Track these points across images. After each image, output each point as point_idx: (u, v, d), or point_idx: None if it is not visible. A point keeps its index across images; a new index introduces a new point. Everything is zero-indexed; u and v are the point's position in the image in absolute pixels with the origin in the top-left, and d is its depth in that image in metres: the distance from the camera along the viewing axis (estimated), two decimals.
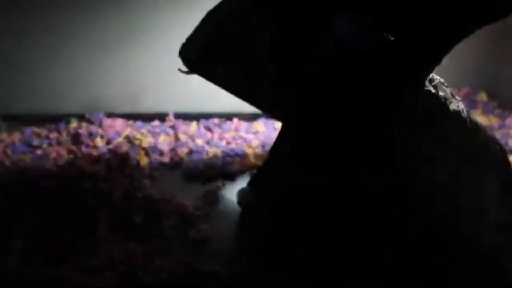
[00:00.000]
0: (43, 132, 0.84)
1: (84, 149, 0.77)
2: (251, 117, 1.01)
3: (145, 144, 0.82)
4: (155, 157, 0.81)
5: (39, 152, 0.77)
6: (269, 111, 0.72)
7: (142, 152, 0.80)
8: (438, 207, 0.51)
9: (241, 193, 0.73)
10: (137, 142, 0.80)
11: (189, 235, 0.65)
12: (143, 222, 0.65)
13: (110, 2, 0.85)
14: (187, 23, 0.95)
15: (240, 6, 0.53)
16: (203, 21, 0.57)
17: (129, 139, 0.82)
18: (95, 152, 0.76)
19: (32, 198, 0.65)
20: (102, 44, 0.87)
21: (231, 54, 0.55)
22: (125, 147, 0.78)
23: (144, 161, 0.78)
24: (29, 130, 0.84)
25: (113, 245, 0.58)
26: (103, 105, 0.91)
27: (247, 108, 0.99)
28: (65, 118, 0.88)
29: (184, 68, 0.59)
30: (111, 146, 0.79)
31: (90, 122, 0.85)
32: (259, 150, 0.90)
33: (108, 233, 0.60)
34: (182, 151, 0.84)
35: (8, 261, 0.54)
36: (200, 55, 0.58)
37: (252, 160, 0.86)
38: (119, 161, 0.74)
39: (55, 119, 0.88)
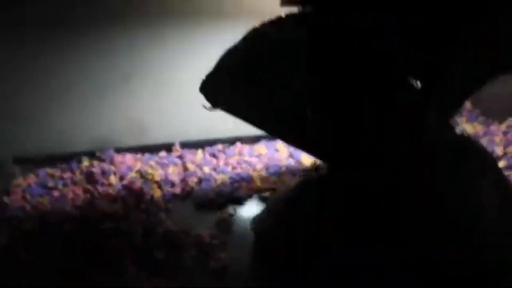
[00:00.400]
0: (57, 172, 0.87)
1: (99, 188, 0.81)
2: (253, 140, 1.06)
3: (156, 177, 0.86)
4: (167, 189, 0.85)
5: (55, 193, 0.81)
6: (291, 142, 0.75)
7: (155, 186, 0.84)
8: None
9: (255, 220, 0.78)
10: (149, 176, 0.85)
11: (209, 265, 0.70)
12: (165, 257, 0.69)
13: (114, 43, 0.89)
14: (187, 58, 1.01)
15: (269, 50, 0.57)
16: (224, 59, 0.60)
17: (141, 174, 0.86)
18: (110, 190, 0.80)
19: (56, 243, 0.68)
20: (107, 82, 0.91)
21: (258, 91, 0.59)
22: (138, 183, 0.82)
23: (157, 194, 0.83)
24: (42, 172, 0.87)
25: (141, 283, 0.62)
26: (111, 140, 0.95)
27: (248, 131, 1.05)
28: (75, 156, 0.92)
29: (207, 104, 0.62)
30: (124, 182, 0.83)
31: (101, 159, 0.89)
32: (263, 173, 0.95)
33: (135, 272, 0.64)
34: (192, 181, 0.88)
35: None
36: (223, 92, 0.61)
37: (258, 183, 0.91)
38: (135, 198, 0.78)
39: (66, 158, 0.92)
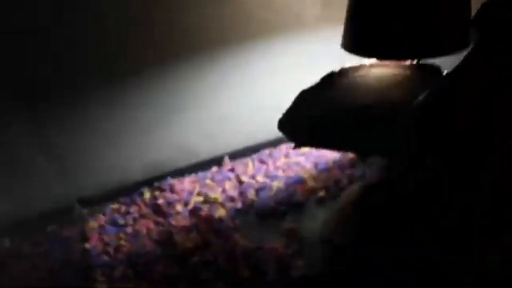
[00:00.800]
0: (122, 207, 0.92)
1: (170, 219, 0.85)
2: None
3: (218, 196, 0.90)
4: (229, 206, 0.90)
5: (129, 230, 0.86)
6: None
7: (219, 206, 0.88)
8: None
9: (324, 227, 0.83)
10: (211, 199, 0.89)
11: (290, 275, 0.75)
12: (251, 276, 0.74)
13: (157, 81, 0.90)
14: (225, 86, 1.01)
15: None
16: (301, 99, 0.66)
17: (202, 196, 0.90)
18: (180, 219, 0.84)
19: (155, 285, 0.74)
20: (157, 112, 0.94)
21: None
22: (204, 207, 0.87)
23: (223, 213, 0.87)
24: (108, 209, 0.92)
25: None
26: (162, 164, 0.99)
27: None
28: (133, 188, 0.96)
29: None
30: (190, 207, 0.88)
31: (161, 189, 0.93)
32: (314, 172, 0.98)
33: None
34: (250, 193, 0.92)
35: None
36: (306, 132, 0.65)
37: (311, 183, 0.95)
38: (206, 223, 0.82)
39: (125, 191, 0.96)
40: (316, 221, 0.88)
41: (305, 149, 1.03)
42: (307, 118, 0.66)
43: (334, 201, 0.87)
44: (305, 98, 0.67)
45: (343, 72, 0.66)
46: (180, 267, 0.75)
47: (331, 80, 0.63)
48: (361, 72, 0.66)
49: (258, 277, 0.77)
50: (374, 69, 0.67)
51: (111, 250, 0.82)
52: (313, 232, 0.86)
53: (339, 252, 0.76)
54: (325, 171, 0.98)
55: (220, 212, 0.87)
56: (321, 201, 0.92)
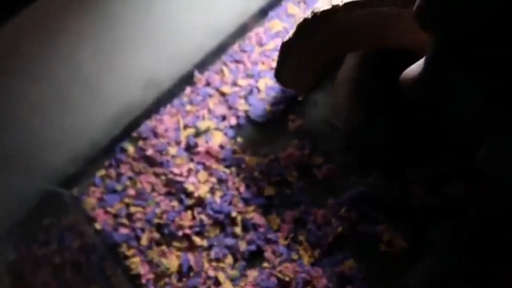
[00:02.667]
0: (111, 172, 0.82)
1: (170, 168, 0.78)
2: (259, 17, 0.93)
3: (206, 121, 0.81)
4: (223, 126, 0.82)
5: (131, 192, 0.79)
6: None
7: (213, 132, 0.80)
8: None
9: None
10: (202, 128, 0.80)
11: (316, 174, 0.74)
12: (277, 193, 0.72)
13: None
14: None
15: None
16: None
17: (191, 128, 0.81)
18: (182, 164, 0.78)
19: (188, 239, 0.71)
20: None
21: None
22: (201, 141, 0.79)
23: (221, 139, 0.80)
24: (97, 179, 0.83)
25: None
26: (131, 109, 0.87)
27: (249, 9, 0.92)
28: (110, 147, 0.86)
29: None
30: (182, 146, 0.80)
31: (142, 138, 0.83)
32: None
33: None
34: (239, 103, 0.83)
35: None
36: None
37: None
38: (210, 158, 0.76)
39: (104, 154, 0.86)
40: (320, 108, 0.83)
41: (278, 27, 0.90)
42: None
43: (333, 80, 0.79)
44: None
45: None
46: (203, 214, 0.72)
47: None
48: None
49: (284, 190, 0.75)
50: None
51: (124, 220, 0.77)
52: (320, 120, 0.81)
53: (353, 139, 0.73)
54: None
55: (218, 139, 0.80)
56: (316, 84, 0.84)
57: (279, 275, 0.68)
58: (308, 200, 0.74)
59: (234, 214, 0.72)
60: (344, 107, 0.74)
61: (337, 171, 0.76)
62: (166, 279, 0.72)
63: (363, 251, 0.70)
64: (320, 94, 0.83)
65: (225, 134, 0.82)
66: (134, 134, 0.84)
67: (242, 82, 0.85)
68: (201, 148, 0.78)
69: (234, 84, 0.86)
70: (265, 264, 0.70)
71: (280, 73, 0.71)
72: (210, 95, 0.85)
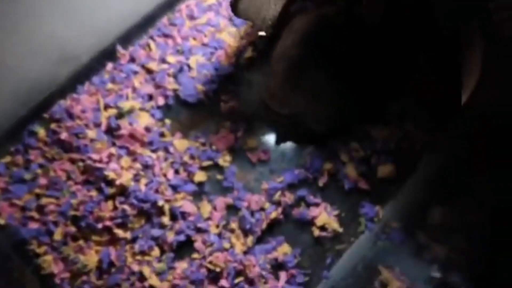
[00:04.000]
0: (18, 158, 0.73)
1: (88, 153, 0.71)
2: None
3: (130, 102, 0.75)
4: (150, 107, 0.76)
5: (43, 181, 0.71)
6: None
7: (138, 112, 0.74)
8: None
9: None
10: (125, 108, 0.73)
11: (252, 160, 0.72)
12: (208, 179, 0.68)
13: None
14: None
15: None
16: None
17: (113, 108, 0.74)
18: (102, 148, 0.71)
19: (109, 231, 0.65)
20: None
21: None
22: (124, 122, 0.72)
23: (147, 120, 0.74)
24: (1, 167, 0.73)
25: None
26: (41, 86, 0.77)
27: None
28: (16, 128, 0.76)
29: None
30: (103, 127, 0.73)
31: (55, 119, 0.74)
32: (232, 29, 0.83)
33: None
34: (168, 81, 0.77)
35: None
36: None
37: (233, 44, 0.81)
38: (135, 141, 0.70)
39: (10, 137, 0.76)
40: (255, 88, 0.80)
41: (211, 0, 0.85)
42: None
43: (267, 59, 0.76)
44: None
45: None
46: (125, 204, 0.67)
47: None
48: None
49: (215, 176, 0.72)
50: None
51: (33, 213, 0.69)
52: (255, 101, 0.78)
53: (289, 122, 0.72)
54: (244, 24, 0.83)
55: (144, 120, 0.74)
56: (251, 61, 0.81)
57: (210, 266, 0.65)
58: (241, 185, 0.72)
59: (161, 202, 0.68)
60: (279, 87, 0.72)
61: (272, 155, 0.75)
62: (84, 277, 0.66)
63: (297, 236, 0.70)
64: (255, 73, 0.80)
65: (152, 115, 0.76)
66: (45, 115, 0.75)
67: (171, 58, 0.80)
68: (124, 131, 0.72)
69: (162, 60, 0.80)
70: (195, 255, 0.67)
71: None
72: (135, 72, 0.79)
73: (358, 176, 0.71)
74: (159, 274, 0.66)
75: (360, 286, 0.66)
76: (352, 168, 0.72)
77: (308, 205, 0.70)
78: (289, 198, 0.70)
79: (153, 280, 0.65)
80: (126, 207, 0.67)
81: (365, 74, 0.71)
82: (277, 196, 0.70)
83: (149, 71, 0.79)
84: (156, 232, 0.68)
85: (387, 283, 0.66)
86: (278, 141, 0.75)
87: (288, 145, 0.75)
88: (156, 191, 0.69)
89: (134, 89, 0.77)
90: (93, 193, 0.69)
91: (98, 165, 0.70)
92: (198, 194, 0.72)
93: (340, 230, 0.69)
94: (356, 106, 0.74)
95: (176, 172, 0.71)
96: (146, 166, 0.70)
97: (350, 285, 0.67)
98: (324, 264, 0.68)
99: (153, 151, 0.72)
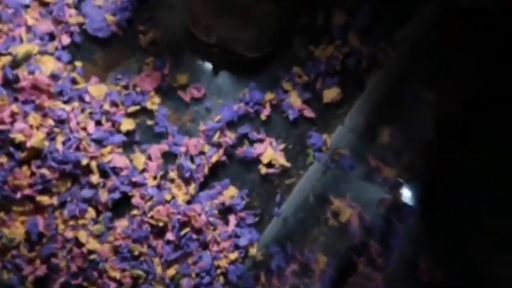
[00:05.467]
0: None
1: None
2: None
3: (25, 46, 0.64)
4: (53, 49, 0.66)
5: None
6: None
7: (40, 57, 0.64)
8: None
9: None
10: (22, 53, 0.62)
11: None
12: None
13: None
14: None
15: None
16: None
17: (4, 56, 0.63)
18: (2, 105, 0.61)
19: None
20: None
21: None
22: (22, 70, 0.62)
23: (52, 65, 0.64)
24: None
25: None
26: None
27: None
28: None
29: None
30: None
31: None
32: None
33: None
34: (69, 14, 0.66)
35: None
36: None
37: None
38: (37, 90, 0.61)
39: None
40: (178, 13, 0.71)
41: None
42: None
43: None
44: None
45: None
46: (43, 168, 0.61)
47: None
48: None
49: (145, 122, 0.66)
50: None
51: None
52: (179, 28, 0.70)
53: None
54: None
55: (48, 66, 0.64)
56: None
57: (152, 221, 0.63)
58: (176, 129, 0.67)
59: (85, 160, 0.62)
60: (202, 11, 0.64)
61: (207, 90, 0.69)
62: (14, 252, 0.62)
63: (243, 177, 0.68)
64: None
65: (58, 58, 0.66)
66: None
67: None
68: (24, 82, 0.62)
69: None
70: (134, 211, 0.64)
71: None
72: (26, 6, 0.66)
73: (303, 104, 0.68)
74: (98, 236, 0.63)
75: (312, 219, 0.68)
76: (296, 96, 0.68)
77: (252, 142, 0.68)
78: (230, 137, 0.66)
79: (92, 244, 0.63)
80: (44, 171, 0.61)
81: None
82: (216, 136, 0.66)
83: (43, 3, 0.66)
84: (86, 193, 0.63)
85: (339, 212, 0.67)
86: (212, 74, 0.69)
87: (223, 77, 0.69)
88: (77, 148, 0.63)
89: (29, 28, 0.66)
90: (3, 159, 0.62)
91: (1, 127, 0.62)
92: (128, 144, 0.66)
93: (288, 164, 0.68)
94: (290, 21, 0.68)
95: (98, 123, 0.65)
96: (60, 121, 0.63)
97: (302, 219, 0.68)
98: (274, 201, 0.68)
99: (66, 102, 0.64)
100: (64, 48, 0.67)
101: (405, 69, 0.72)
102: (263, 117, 0.68)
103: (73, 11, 0.67)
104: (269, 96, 0.68)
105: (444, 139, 0.70)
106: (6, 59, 0.63)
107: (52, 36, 0.67)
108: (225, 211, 0.66)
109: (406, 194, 0.68)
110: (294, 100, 0.68)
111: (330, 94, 0.68)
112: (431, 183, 0.68)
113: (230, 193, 0.66)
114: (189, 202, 0.65)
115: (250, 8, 0.64)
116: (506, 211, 0.55)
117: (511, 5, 0.57)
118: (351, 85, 0.70)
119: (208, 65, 0.69)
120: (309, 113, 0.68)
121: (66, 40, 0.67)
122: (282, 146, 0.68)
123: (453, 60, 0.68)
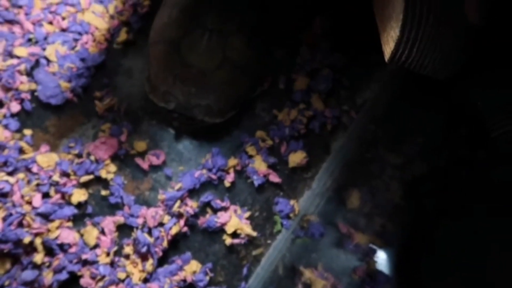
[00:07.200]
0: None
1: None
2: None
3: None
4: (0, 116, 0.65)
5: None
6: None
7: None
8: None
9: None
10: None
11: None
12: None
13: None
14: None
15: None
16: None
17: None
18: None
19: None
20: None
21: None
22: None
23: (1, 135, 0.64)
24: None
25: None
26: None
27: None
28: None
29: None
30: None
31: None
32: (98, 8, 0.74)
33: None
34: (20, 80, 0.67)
35: None
36: None
37: (102, 26, 0.72)
38: None
39: None
40: (135, 78, 0.73)
41: None
42: None
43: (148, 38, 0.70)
44: None
45: None
46: None
47: None
48: None
49: (99, 192, 0.65)
50: None
51: None
52: (138, 94, 0.72)
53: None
54: None
55: None
56: (127, 45, 0.74)
57: None
58: (133, 199, 0.66)
59: (28, 238, 0.59)
60: (160, 78, 0.66)
61: (166, 157, 0.69)
62: None
63: (207, 249, 0.67)
64: (134, 59, 0.73)
65: (5, 127, 0.66)
66: None
67: (21, 51, 0.69)
68: None
69: (9, 54, 0.69)
70: None
71: None
72: None
73: (268, 169, 0.69)
74: None
75: None
76: (260, 161, 0.69)
77: (215, 210, 0.67)
78: (191, 206, 0.66)
79: None
80: None
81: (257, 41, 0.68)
82: (177, 206, 0.65)
83: None
84: (28, 275, 0.59)
85: (310, 284, 0.66)
86: (172, 140, 0.70)
87: (184, 143, 0.70)
88: (20, 224, 0.60)
89: None
90: None
91: None
92: (79, 218, 0.64)
93: (255, 233, 0.67)
94: (251, 87, 0.71)
95: (46, 195, 0.63)
96: (2, 195, 0.61)
97: None
98: (240, 275, 0.66)
99: (10, 173, 0.62)
100: (12, 115, 0.67)
101: (369, 133, 0.75)
102: (227, 183, 0.68)
103: (24, 78, 0.68)
104: (232, 161, 0.69)
105: (414, 202, 0.72)
106: None
107: (0, 104, 0.67)
108: None
109: (381, 261, 0.69)
110: (259, 165, 0.69)
111: (296, 158, 0.70)
112: (405, 248, 0.69)
113: (192, 268, 0.64)
114: (146, 280, 0.62)
115: (207, 76, 0.67)
116: (483, 274, 0.56)
117: (462, 73, 0.63)
118: (317, 148, 0.72)
119: (168, 131, 0.70)
120: (275, 178, 0.69)
121: (15, 107, 0.67)
122: (247, 214, 0.68)
123: (416, 122, 0.72)
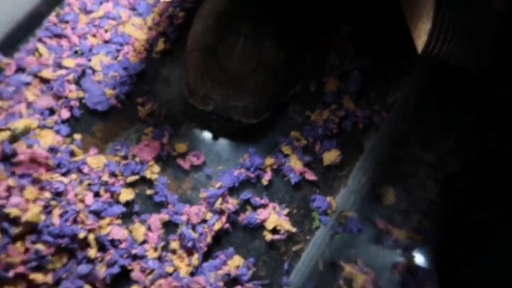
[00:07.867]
0: None
1: None
2: None
3: (23, 121, 0.70)
4: (52, 122, 0.72)
5: None
6: None
7: (40, 132, 0.69)
8: None
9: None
10: (20, 127, 0.68)
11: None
12: None
13: None
14: None
15: None
16: None
17: (4, 131, 0.69)
18: None
19: None
20: None
21: None
22: (21, 149, 0.67)
23: (52, 139, 0.70)
24: None
25: None
26: None
27: None
28: None
29: None
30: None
31: None
32: (138, 20, 0.81)
33: None
34: (69, 89, 0.74)
35: None
36: None
37: (141, 37, 0.79)
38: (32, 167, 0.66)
39: None
40: (174, 86, 0.79)
41: None
42: None
43: (184, 48, 0.76)
44: None
45: None
46: (38, 243, 0.63)
47: None
48: None
49: (144, 192, 0.70)
50: None
51: None
52: (177, 99, 0.78)
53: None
54: (149, 12, 0.82)
55: (47, 140, 0.69)
56: (165, 54, 0.80)
57: None
58: (176, 197, 0.71)
59: (82, 233, 0.65)
60: (198, 82, 0.72)
61: (206, 158, 0.74)
62: None
63: (248, 245, 0.71)
64: (172, 67, 0.79)
65: (57, 132, 0.72)
66: None
67: (69, 62, 0.76)
68: (22, 156, 0.67)
69: (58, 65, 0.76)
70: (135, 287, 0.65)
71: None
72: (27, 84, 0.74)
73: (303, 167, 0.74)
74: None
75: (324, 287, 0.69)
76: (296, 160, 0.74)
77: (255, 208, 0.72)
78: (232, 203, 0.70)
79: None
80: (39, 246, 0.63)
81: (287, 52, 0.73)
82: (218, 203, 0.70)
83: (43, 80, 0.74)
84: (83, 268, 0.64)
85: (352, 278, 0.69)
86: (210, 142, 0.75)
87: (222, 144, 0.75)
88: (74, 221, 0.66)
89: (29, 104, 0.73)
90: None
91: None
92: (128, 215, 0.70)
93: (294, 230, 0.71)
94: (283, 89, 0.77)
95: (96, 194, 0.69)
96: (57, 194, 0.67)
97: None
98: (282, 270, 0.70)
99: (63, 174, 0.68)
100: (63, 121, 0.73)
101: (401, 131, 0.79)
102: (264, 181, 0.73)
103: (73, 87, 0.74)
104: (269, 160, 0.74)
105: (450, 198, 0.75)
106: (5, 134, 0.69)
107: (52, 111, 0.73)
108: (231, 282, 0.68)
109: (420, 257, 0.71)
110: (295, 163, 0.74)
111: (331, 156, 0.75)
112: (443, 243, 0.71)
113: (235, 263, 0.68)
114: (192, 274, 0.66)
115: (242, 79, 0.72)
116: None
117: (493, 66, 0.66)
118: (350, 147, 0.76)
119: (207, 133, 0.76)
120: (310, 176, 0.74)
121: (65, 114, 0.73)
122: (286, 210, 0.72)
123: (447, 119, 0.76)
